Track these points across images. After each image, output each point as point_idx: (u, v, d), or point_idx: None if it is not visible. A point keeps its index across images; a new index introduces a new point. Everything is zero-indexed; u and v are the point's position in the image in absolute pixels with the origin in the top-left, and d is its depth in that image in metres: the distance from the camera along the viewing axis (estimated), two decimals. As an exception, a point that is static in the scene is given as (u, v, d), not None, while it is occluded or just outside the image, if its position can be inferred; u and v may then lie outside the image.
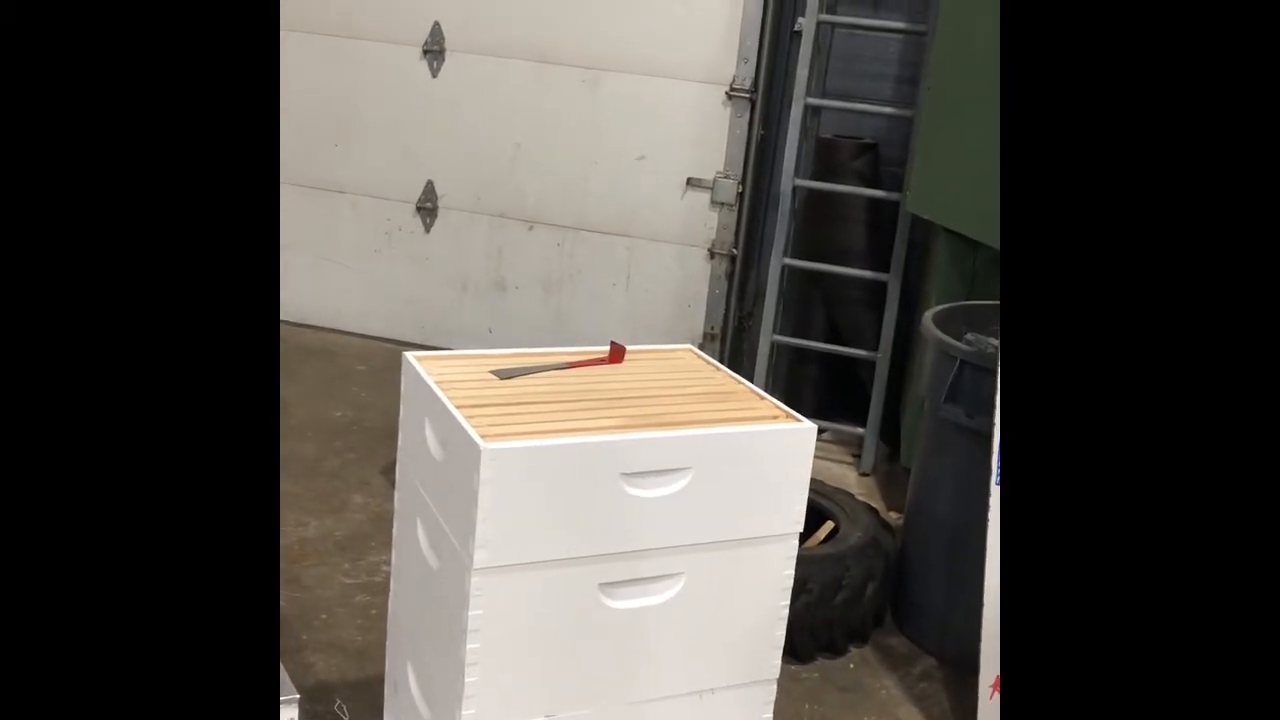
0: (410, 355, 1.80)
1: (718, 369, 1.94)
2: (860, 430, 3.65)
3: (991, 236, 2.89)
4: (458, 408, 1.62)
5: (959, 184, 3.09)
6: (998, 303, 2.19)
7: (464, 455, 1.55)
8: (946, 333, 2.59)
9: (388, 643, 1.95)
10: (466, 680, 1.58)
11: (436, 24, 4.02)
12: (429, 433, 1.69)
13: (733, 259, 3.96)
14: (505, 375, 1.78)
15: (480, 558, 1.54)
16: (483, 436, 1.54)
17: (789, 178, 3.62)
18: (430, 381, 1.70)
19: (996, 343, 2.20)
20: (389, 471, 2.89)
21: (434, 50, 4.04)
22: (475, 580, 1.55)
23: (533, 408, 1.68)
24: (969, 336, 2.58)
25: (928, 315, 2.72)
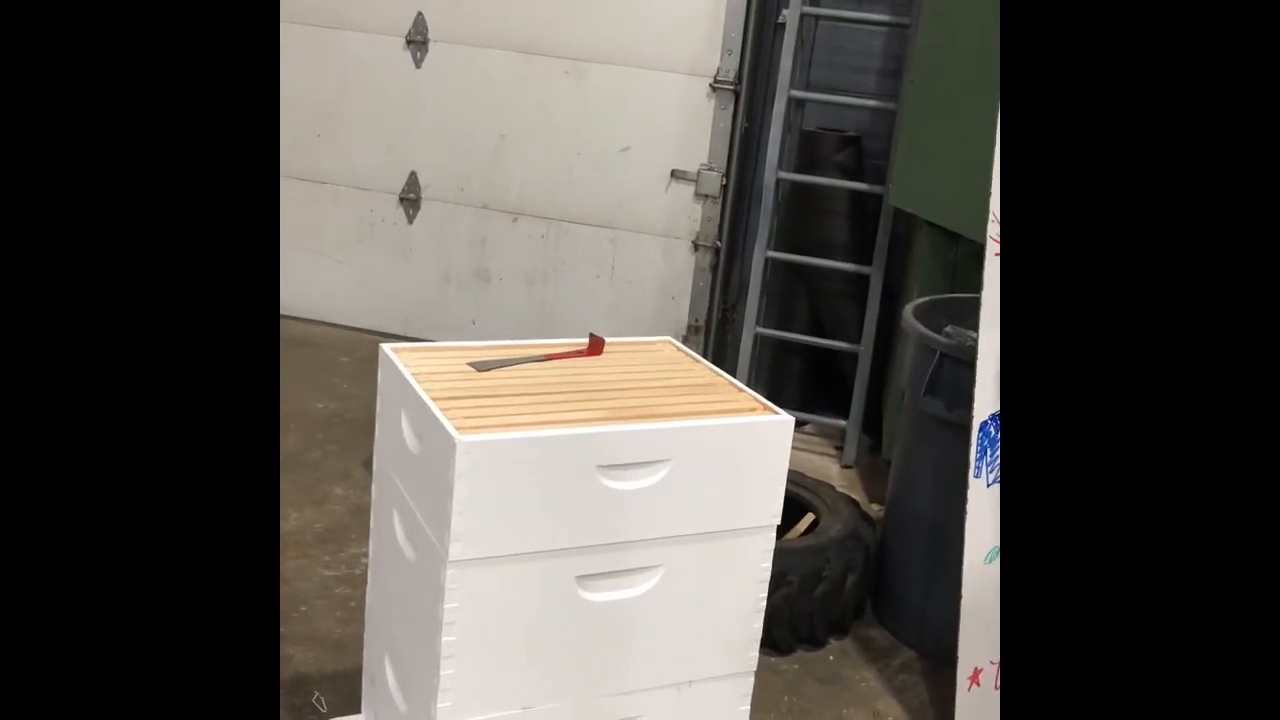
0: (387, 347, 1.79)
1: (697, 361, 1.93)
2: (842, 423, 3.65)
3: (973, 229, 2.89)
4: (434, 400, 1.62)
5: (941, 177, 3.10)
6: (978, 296, 2.19)
7: (440, 447, 1.55)
8: (927, 325, 2.59)
9: (365, 635, 1.95)
10: (442, 673, 1.58)
11: (420, 14, 4.00)
12: (405, 425, 1.69)
13: (716, 251, 3.96)
14: (483, 367, 1.77)
15: (456, 550, 1.54)
16: (458, 429, 1.53)
17: (772, 170, 3.62)
18: (407, 374, 1.70)
19: (976, 335, 2.21)
20: (371, 463, 2.89)
21: (418, 40, 4.02)
22: (451, 573, 1.54)
23: (510, 400, 1.67)
24: (949, 329, 2.58)
25: (908, 308, 2.72)
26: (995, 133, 2.17)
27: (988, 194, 2.17)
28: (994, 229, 2.17)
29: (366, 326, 4.27)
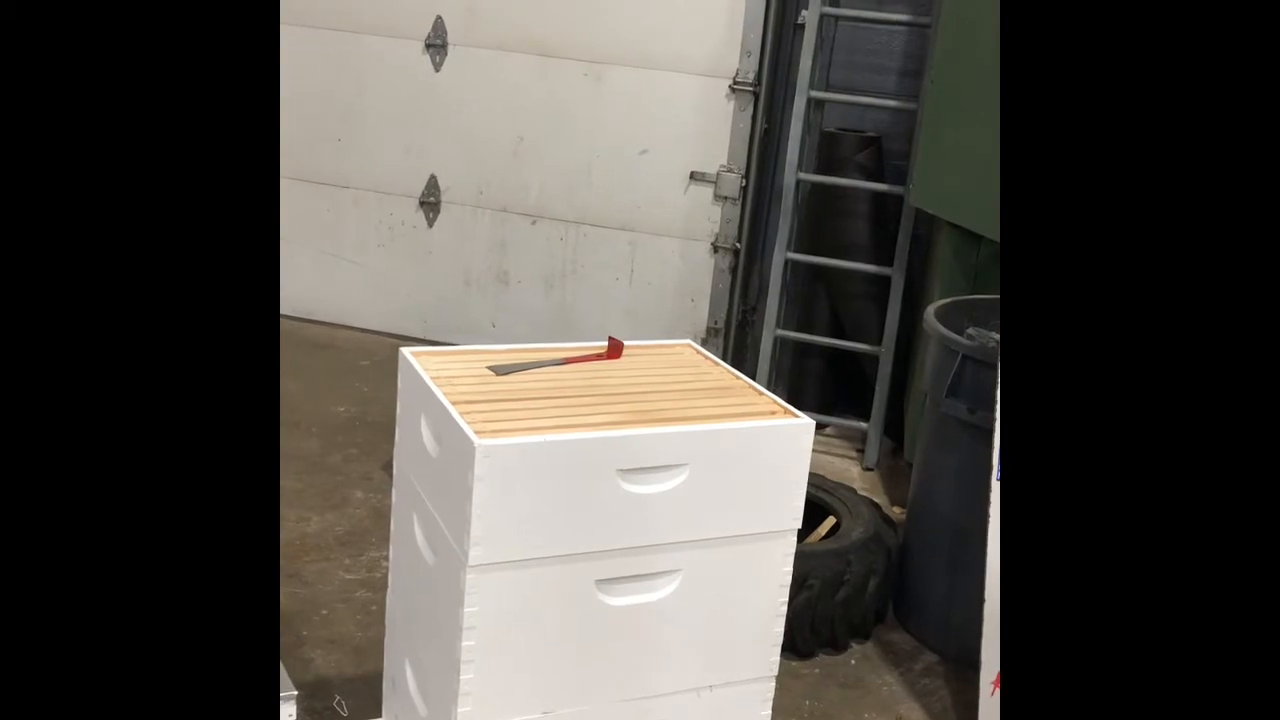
0: (407, 351, 1.79)
1: (716, 364, 1.92)
2: (864, 425, 3.63)
3: (994, 230, 2.88)
4: (453, 404, 1.61)
5: (962, 178, 3.08)
6: (1000, 297, 2.17)
7: (459, 451, 1.55)
8: (949, 327, 2.57)
9: (386, 639, 1.95)
10: (462, 677, 1.58)
11: (439, 18, 4.01)
12: (425, 429, 1.69)
13: (736, 253, 3.95)
14: (502, 371, 1.77)
15: (475, 554, 1.53)
16: (478, 433, 1.53)
17: (792, 171, 3.61)
18: (426, 377, 1.70)
19: (998, 337, 2.19)
20: (391, 467, 2.90)
21: (436, 44, 4.03)
22: (470, 577, 1.54)
23: (529, 403, 1.67)
24: (970, 331, 2.56)
25: (930, 310, 2.70)
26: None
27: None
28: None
29: (387, 330, 4.28)
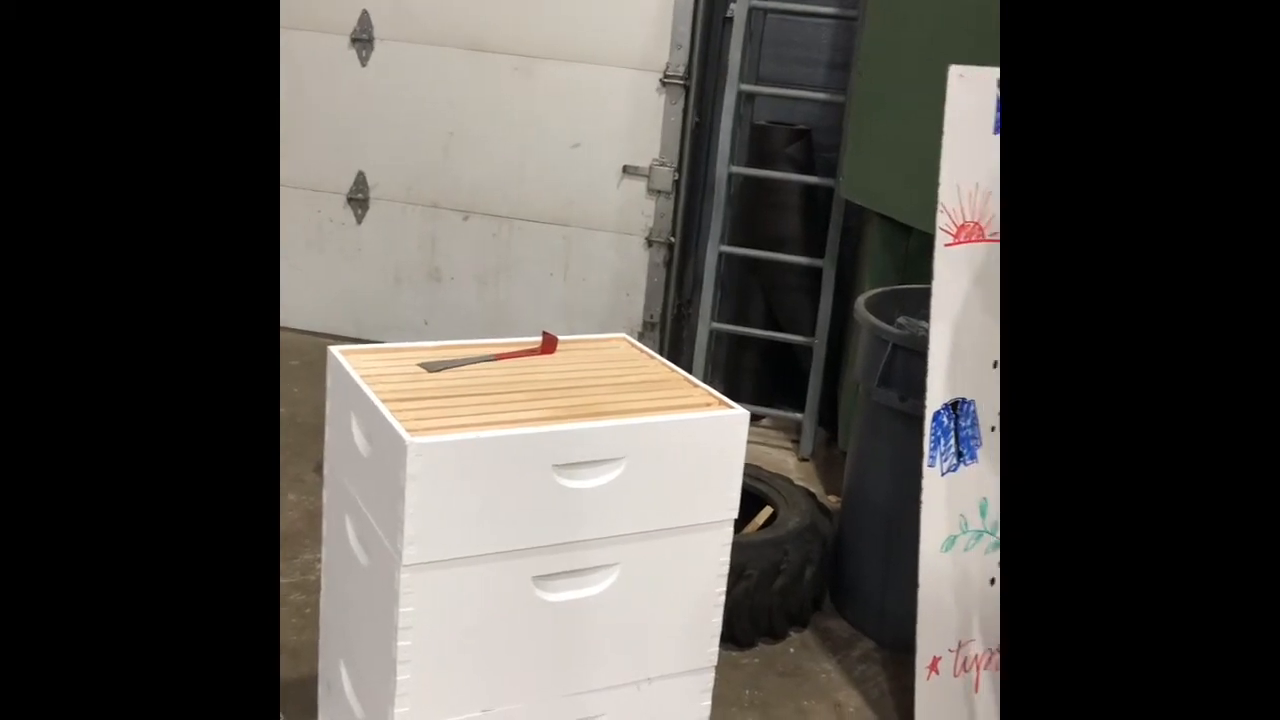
0: (335, 350, 1.76)
1: (651, 357, 1.93)
2: (799, 416, 3.66)
3: (923, 221, 2.91)
4: (384, 402, 1.59)
5: (891, 169, 3.11)
6: (929, 286, 2.20)
7: (390, 450, 1.53)
8: (879, 317, 2.60)
9: (320, 641, 1.92)
10: (399, 678, 1.56)
11: (365, 12, 3.95)
12: (355, 428, 1.66)
13: (670, 247, 3.95)
14: (433, 368, 1.75)
15: (409, 554, 1.52)
16: (409, 430, 1.51)
17: (724, 164, 3.62)
18: (355, 376, 1.67)
19: (927, 326, 2.22)
20: (322, 468, 2.86)
21: (363, 39, 3.98)
22: (405, 577, 1.52)
23: (461, 400, 1.65)
24: (901, 320, 2.60)
25: (860, 300, 2.73)
26: (943, 125, 2.18)
27: (936, 186, 2.18)
28: (943, 220, 2.19)
29: (317, 329, 4.21)
